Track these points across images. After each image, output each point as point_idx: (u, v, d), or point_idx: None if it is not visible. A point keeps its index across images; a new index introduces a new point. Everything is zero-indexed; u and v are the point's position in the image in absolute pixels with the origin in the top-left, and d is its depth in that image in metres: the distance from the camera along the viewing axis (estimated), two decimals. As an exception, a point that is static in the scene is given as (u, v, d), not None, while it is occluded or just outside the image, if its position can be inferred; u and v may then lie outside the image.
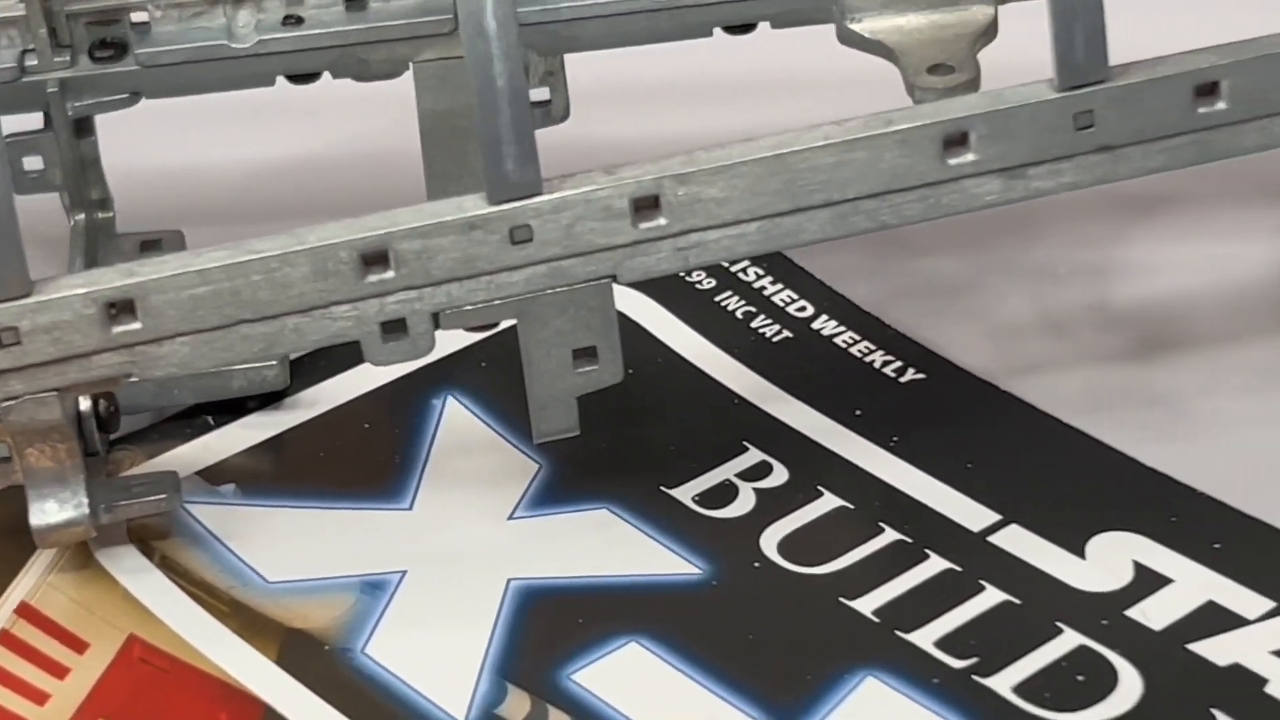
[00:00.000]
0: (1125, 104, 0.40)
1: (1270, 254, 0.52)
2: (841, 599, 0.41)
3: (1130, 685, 0.39)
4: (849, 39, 0.46)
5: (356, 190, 0.52)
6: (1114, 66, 0.40)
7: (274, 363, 0.45)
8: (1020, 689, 0.39)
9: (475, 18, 0.38)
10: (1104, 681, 0.39)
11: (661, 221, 0.40)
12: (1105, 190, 0.44)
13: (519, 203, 0.39)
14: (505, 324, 0.43)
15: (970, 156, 0.40)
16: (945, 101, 0.40)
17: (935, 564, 0.42)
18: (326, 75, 0.48)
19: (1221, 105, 0.40)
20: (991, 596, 0.41)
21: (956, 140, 0.40)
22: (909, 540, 0.43)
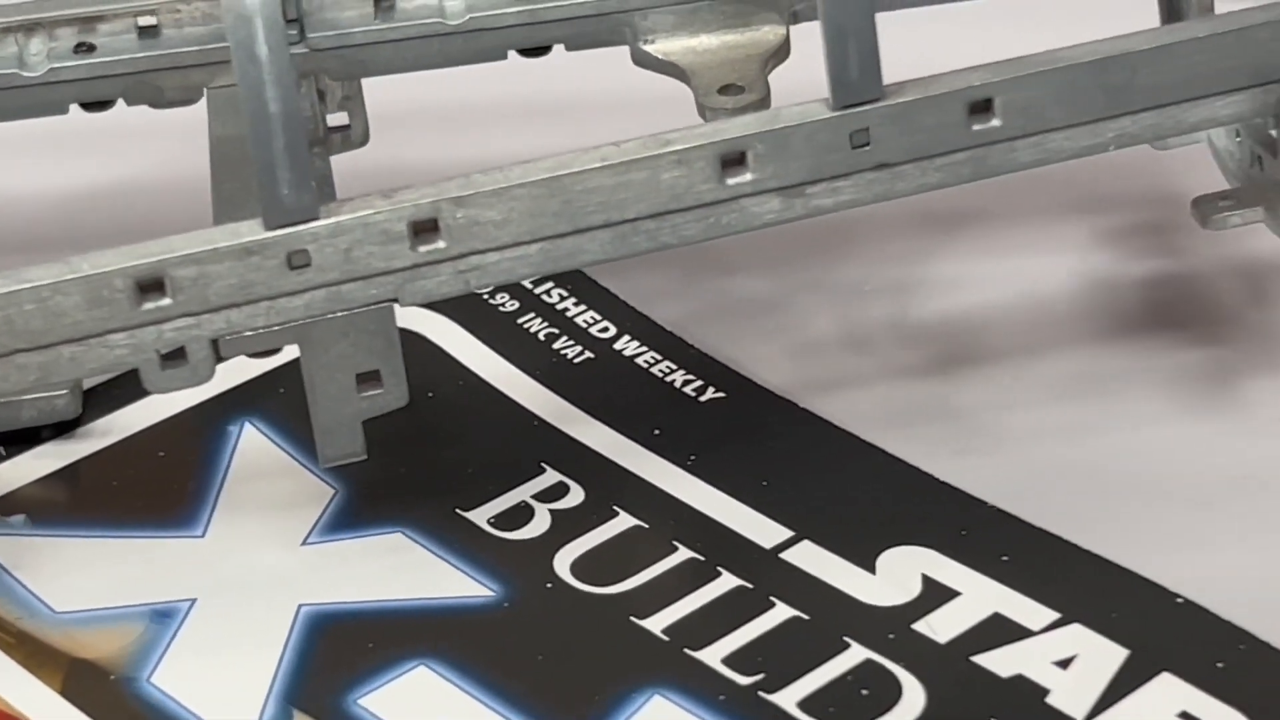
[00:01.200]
0: (900, 122, 0.40)
1: (1068, 267, 0.53)
2: (632, 618, 0.41)
3: (913, 698, 0.39)
4: (643, 60, 0.46)
5: (151, 218, 0.52)
6: (889, 85, 0.40)
7: (64, 391, 0.45)
8: (805, 704, 0.39)
9: (246, 45, 0.38)
10: (888, 695, 0.39)
11: (440, 245, 0.40)
12: (912, 206, 0.44)
13: (295, 228, 0.39)
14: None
15: (748, 176, 0.40)
16: (722, 122, 0.40)
17: (727, 581, 0.42)
18: (121, 102, 0.48)
19: (996, 122, 0.40)
20: (781, 613, 0.41)
21: (734, 160, 0.40)
22: (701, 558, 0.43)
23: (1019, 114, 0.40)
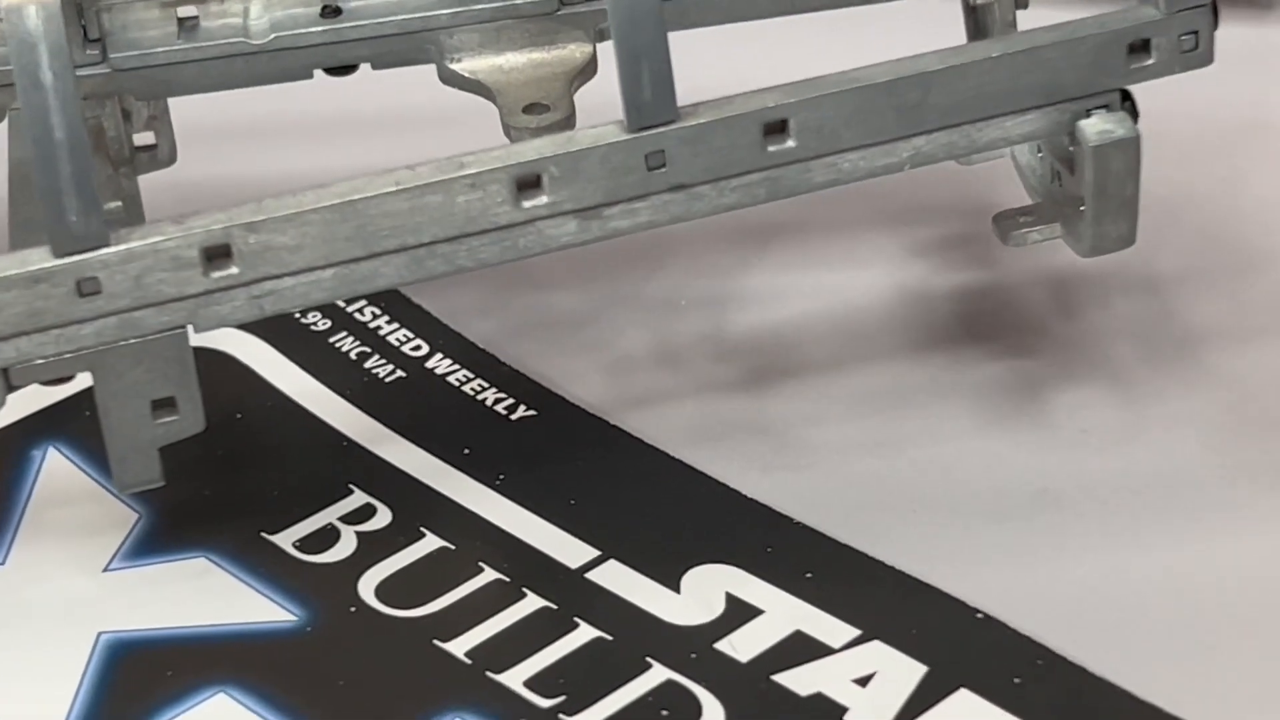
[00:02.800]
0: (696, 143, 0.40)
1: (881, 280, 0.53)
2: (435, 641, 0.41)
3: (713, 718, 0.39)
4: (450, 79, 0.46)
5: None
6: (684, 106, 0.40)
7: None
8: (605, 727, 0.39)
9: (30, 70, 0.37)
10: (687, 715, 0.40)
11: (234, 270, 0.40)
12: (726, 219, 0.45)
13: (85, 255, 0.39)
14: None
15: (544, 199, 0.40)
16: (517, 145, 0.40)
17: (531, 602, 0.42)
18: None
19: (790, 143, 0.41)
20: (584, 634, 0.42)
21: (530, 183, 0.40)
22: (507, 579, 0.43)
23: (813, 135, 0.41)
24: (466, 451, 0.47)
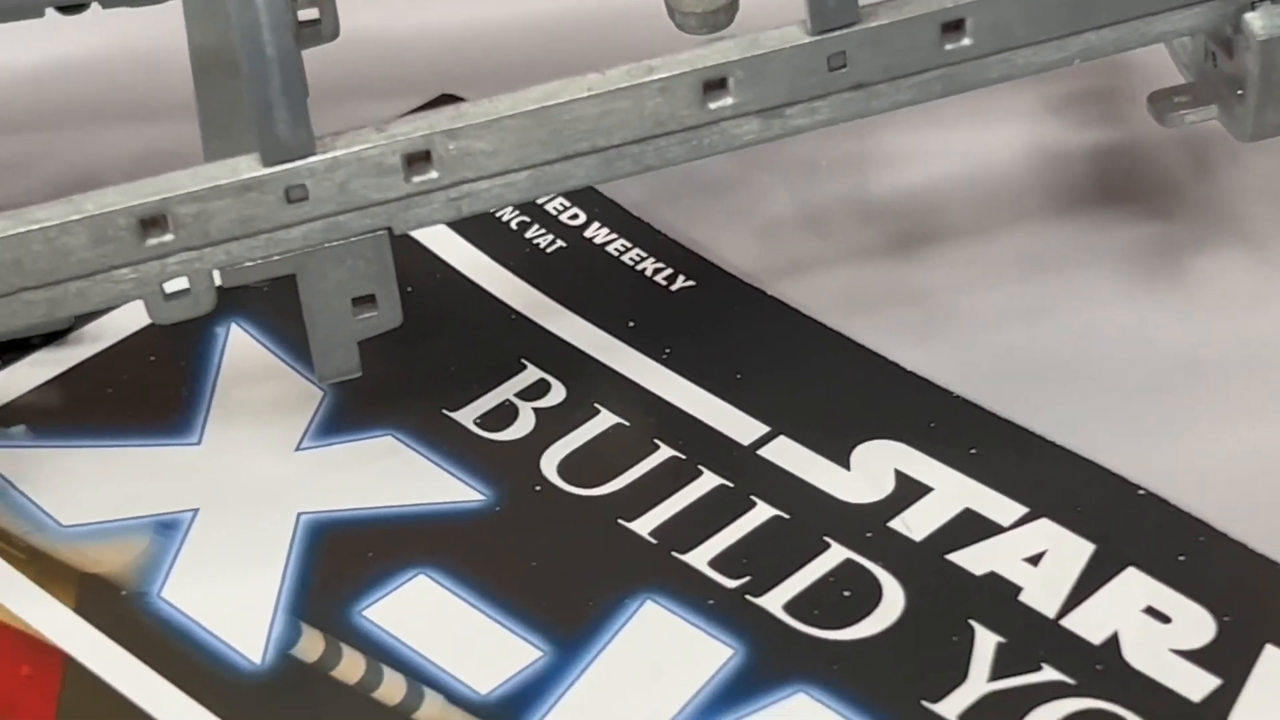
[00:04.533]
0: (876, 44, 0.41)
1: (1017, 138, 0.54)
2: (620, 520, 0.43)
3: (893, 599, 0.41)
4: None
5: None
6: (864, 7, 0.41)
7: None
8: (790, 607, 0.41)
9: (243, -9, 0.38)
10: (869, 596, 0.41)
11: (433, 175, 0.41)
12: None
13: (293, 164, 0.40)
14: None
15: (729, 100, 0.41)
16: (703, 49, 0.41)
17: (708, 480, 0.44)
18: (96, 6, 0.48)
19: (967, 41, 0.42)
20: (762, 512, 0.43)
21: (716, 85, 0.41)
22: (683, 457, 0.45)
23: (989, 33, 0.42)
24: (631, 324, 0.48)
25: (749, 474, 0.44)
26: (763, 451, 0.45)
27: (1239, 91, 0.45)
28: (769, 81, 0.41)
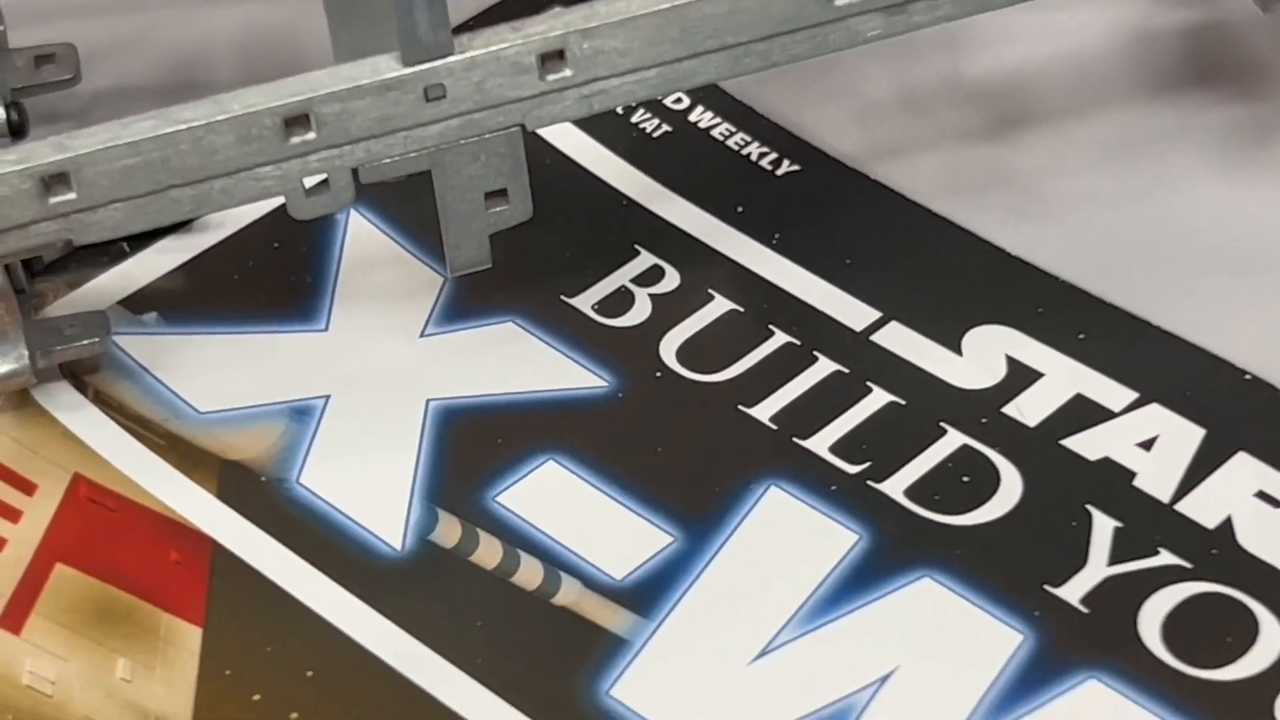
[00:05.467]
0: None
1: (1104, 17, 0.55)
2: (740, 406, 0.44)
3: (1011, 485, 0.43)
4: None
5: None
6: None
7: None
8: (911, 492, 0.43)
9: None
10: (987, 481, 0.43)
11: (567, 73, 0.42)
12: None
13: (432, 64, 0.41)
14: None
15: (857, -4, 0.42)
16: (832, -52, 0.42)
17: (824, 366, 0.45)
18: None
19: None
20: (879, 398, 0.44)
21: (844, -18, 0.42)
22: (797, 343, 0.46)
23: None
24: (739, 209, 0.49)
25: (863, 360, 0.45)
26: (875, 337, 0.46)
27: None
28: (895, -21, 0.42)
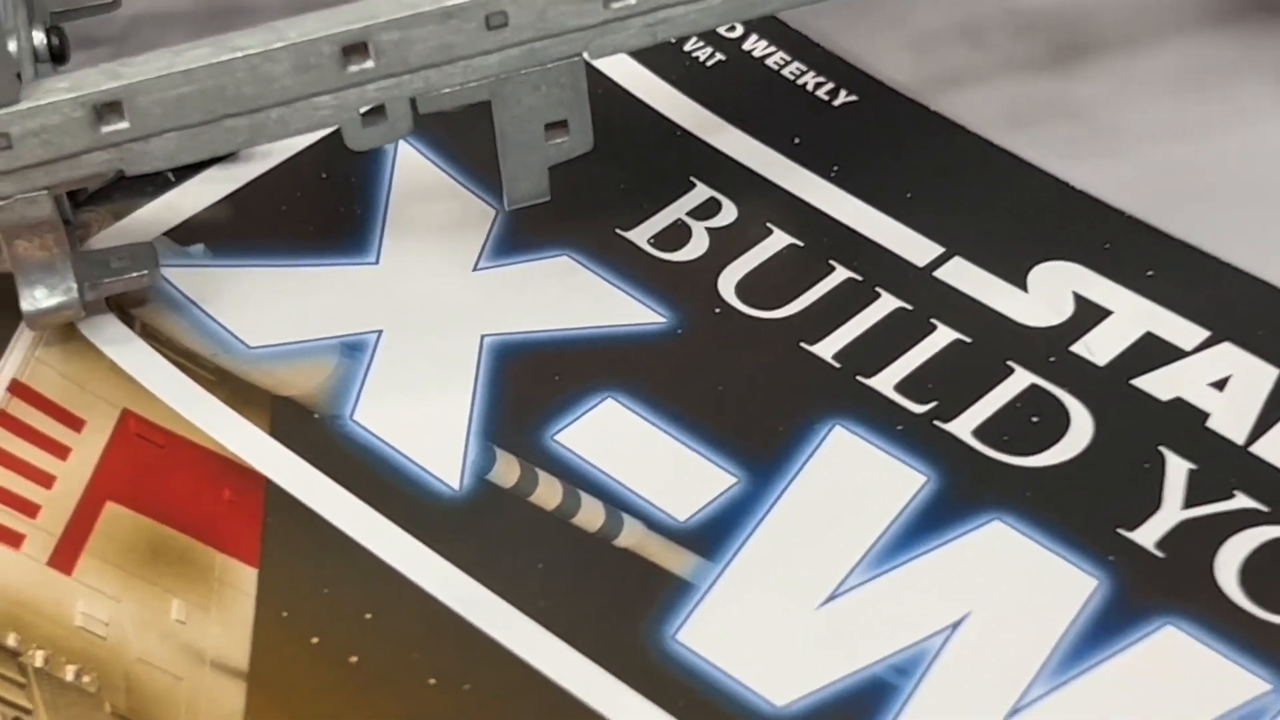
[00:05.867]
0: None
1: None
2: (802, 344, 0.44)
3: (1081, 425, 0.42)
4: None
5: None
6: None
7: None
8: (979, 432, 0.42)
9: None
10: (1057, 422, 0.42)
11: (632, 1, 0.41)
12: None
13: None
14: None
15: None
16: None
17: (887, 303, 0.44)
18: None
19: None
20: (943, 336, 0.44)
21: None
22: (859, 279, 0.45)
23: None
24: (796, 141, 0.48)
25: (927, 296, 0.44)
26: (939, 273, 0.45)
27: None
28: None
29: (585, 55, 0.42)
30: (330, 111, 0.41)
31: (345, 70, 0.40)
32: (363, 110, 0.41)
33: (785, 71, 0.50)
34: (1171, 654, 0.38)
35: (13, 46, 0.43)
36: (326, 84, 0.40)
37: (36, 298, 0.42)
